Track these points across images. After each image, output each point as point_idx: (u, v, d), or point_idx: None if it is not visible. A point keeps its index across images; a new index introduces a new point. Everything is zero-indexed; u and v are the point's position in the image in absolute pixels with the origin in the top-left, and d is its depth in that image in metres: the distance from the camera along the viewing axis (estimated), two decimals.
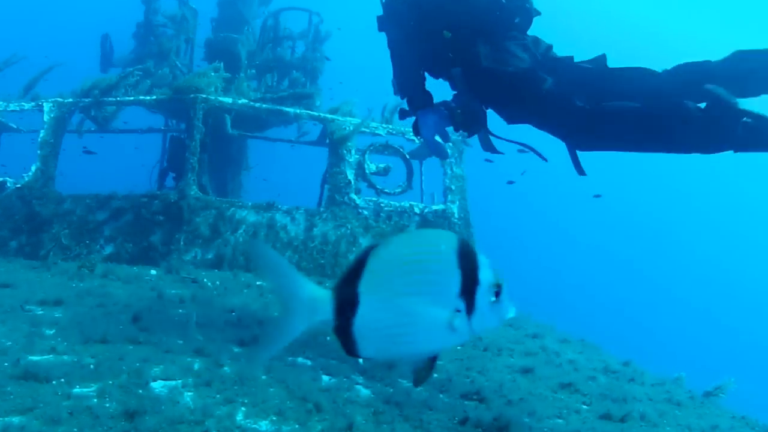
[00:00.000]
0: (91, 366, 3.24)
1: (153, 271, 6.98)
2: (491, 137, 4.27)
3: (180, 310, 4.93)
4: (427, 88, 4.24)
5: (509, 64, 3.76)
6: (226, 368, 3.50)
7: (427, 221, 8.95)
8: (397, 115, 4.59)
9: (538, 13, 4.04)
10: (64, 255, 7.54)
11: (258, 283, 6.72)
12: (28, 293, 4.93)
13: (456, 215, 9.15)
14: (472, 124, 4.10)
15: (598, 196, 16.39)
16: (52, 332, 3.87)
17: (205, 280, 6.56)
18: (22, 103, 8.91)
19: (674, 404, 4.61)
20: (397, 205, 8.92)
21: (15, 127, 10.12)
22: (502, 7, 3.88)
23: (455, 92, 4.21)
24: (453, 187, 9.31)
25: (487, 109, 4.08)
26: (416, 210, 8.98)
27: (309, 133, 11.69)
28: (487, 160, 5.58)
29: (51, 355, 3.39)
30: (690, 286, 45.10)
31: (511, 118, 3.94)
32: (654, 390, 4.96)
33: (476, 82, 3.95)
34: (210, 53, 11.21)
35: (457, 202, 9.24)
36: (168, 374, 3.27)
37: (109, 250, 7.80)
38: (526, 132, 4.02)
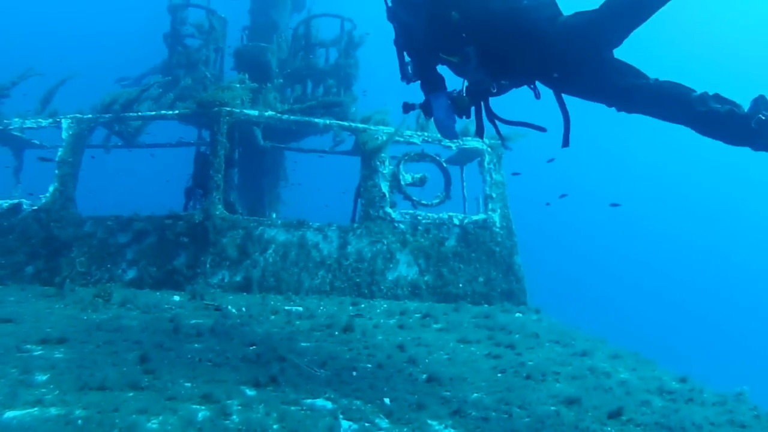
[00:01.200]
0: (79, 421, 2.85)
1: (176, 297, 6.61)
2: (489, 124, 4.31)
3: (196, 345, 4.51)
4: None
5: None
6: (234, 417, 3.09)
7: (467, 232, 8.45)
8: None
9: None
10: (84, 280, 7.21)
11: (286, 308, 6.29)
12: (31, 329, 4.59)
13: (498, 225, 8.64)
14: (478, 97, 4.16)
15: (616, 204, 15.97)
16: (44, 378, 3.48)
17: (229, 306, 6.16)
18: (39, 120, 8.63)
19: (738, 426, 4.12)
20: (436, 216, 8.45)
21: (38, 143, 9.86)
22: None
23: (464, 74, 4.21)
24: (494, 195, 8.82)
25: (496, 84, 4.07)
26: (455, 221, 8.49)
27: (345, 141, 11.28)
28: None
29: (35, 408, 3.00)
30: (747, 289, 43.73)
31: (526, 67, 3.98)
32: (715, 410, 4.43)
33: (493, 40, 3.91)
34: (239, 63, 10.86)
35: (498, 211, 8.73)
36: (166, 428, 2.87)
37: (131, 274, 7.45)
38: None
